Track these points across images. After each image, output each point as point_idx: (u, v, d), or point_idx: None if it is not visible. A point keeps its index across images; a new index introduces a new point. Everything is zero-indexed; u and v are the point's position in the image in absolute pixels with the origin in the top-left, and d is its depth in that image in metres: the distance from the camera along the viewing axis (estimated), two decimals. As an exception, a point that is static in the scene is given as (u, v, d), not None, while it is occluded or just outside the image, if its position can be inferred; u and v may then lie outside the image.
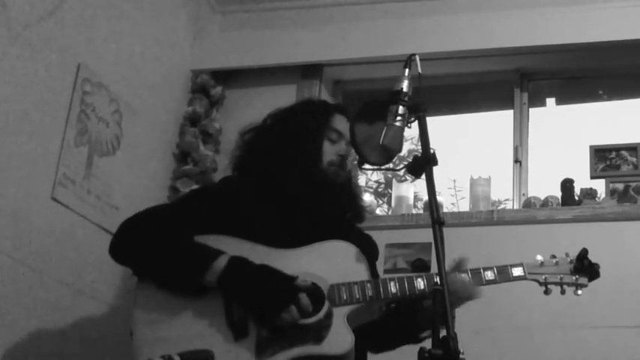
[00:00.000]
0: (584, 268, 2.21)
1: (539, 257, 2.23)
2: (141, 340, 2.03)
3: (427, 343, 1.62)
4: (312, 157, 2.29)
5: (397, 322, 2.24)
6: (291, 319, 1.98)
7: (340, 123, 2.37)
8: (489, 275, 2.17)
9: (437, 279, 2.08)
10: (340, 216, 2.33)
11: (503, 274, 2.18)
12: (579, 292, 2.20)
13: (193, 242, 2.10)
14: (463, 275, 2.15)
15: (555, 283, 2.20)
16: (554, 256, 2.24)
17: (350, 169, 2.38)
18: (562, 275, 2.20)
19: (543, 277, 2.20)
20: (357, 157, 2.03)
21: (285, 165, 2.26)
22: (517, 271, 2.19)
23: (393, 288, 2.10)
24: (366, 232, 2.45)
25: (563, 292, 2.21)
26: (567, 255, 2.24)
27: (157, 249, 2.10)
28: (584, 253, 2.21)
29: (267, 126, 2.42)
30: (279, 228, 2.19)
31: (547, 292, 2.20)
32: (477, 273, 2.16)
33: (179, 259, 2.06)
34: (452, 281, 2.06)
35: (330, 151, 2.32)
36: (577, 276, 2.21)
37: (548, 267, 2.21)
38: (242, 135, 2.45)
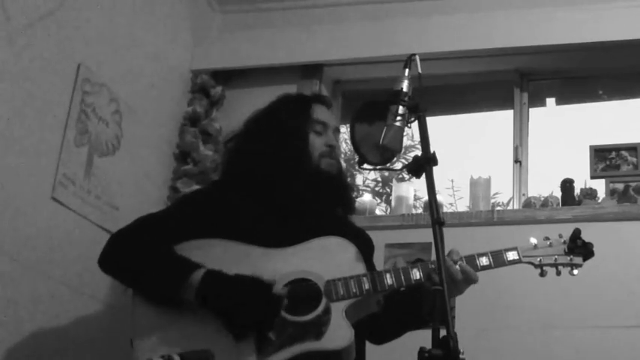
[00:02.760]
0: (578, 247, 2.20)
1: (533, 240, 2.22)
2: (142, 348, 2.03)
3: (427, 343, 1.62)
4: (301, 154, 2.28)
5: (400, 308, 2.24)
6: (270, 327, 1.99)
7: (321, 113, 2.37)
8: (484, 261, 2.17)
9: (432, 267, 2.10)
10: (331, 210, 2.32)
11: (498, 259, 2.18)
12: (575, 271, 2.20)
13: (172, 256, 2.09)
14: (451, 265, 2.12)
15: (550, 265, 2.19)
16: (547, 238, 2.23)
17: (340, 159, 2.37)
18: (556, 256, 2.20)
19: (538, 259, 2.19)
20: (357, 156, 2.03)
21: (275, 167, 2.25)
22: (511, 255, 2.19)
23: (389, 279, 2.11)
24: (366, 231, 2.45)
25: (558, 273, 2.20)
26: (560, 236, 2.23)
27: (137, 266, 2.10)
28: (577, 232, 2.21)
29: (250, 131, 2.40)
30: (272, 228, 2.19)
31: (542, 273, 2.19)
32: (471, 259, 2.16)
33: (155, 275, 2.07)
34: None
35: (318, 143, 2.32)
36: (571, 256, 2.20)
37: (542, 249, 2.20)
38: (225, 143, 2.44)
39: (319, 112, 2.37)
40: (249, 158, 2.32)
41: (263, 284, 2.01)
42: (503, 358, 2.97)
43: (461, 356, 1.56)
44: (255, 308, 1.99)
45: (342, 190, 2.35)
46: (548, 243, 2.22)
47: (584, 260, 2.21)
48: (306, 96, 2.56)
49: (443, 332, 1.60)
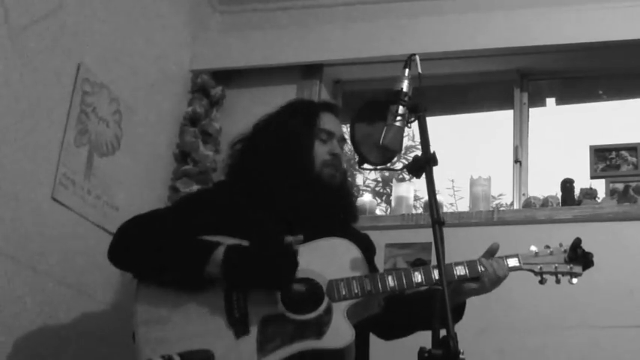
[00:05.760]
0: (578, 257, 2.24)
1: (534, 248, 2.25)
2: (143, 340, 2.04)
3: (427, 343, 1.62)
4: (304, 161, 2.29)
5: (410, 308, 2.28)
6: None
7: (328, 121, 2.37)
8: None
9: (434, 273, 2.11)
10: (334, 217, 2.33)
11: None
12: (574, 280, 2.23)
13: (190, 238, 2.11)
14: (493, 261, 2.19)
15: (550, 273, 2.23)
16: (548, 247, 2.26)
17: (345, 168, 2.38)
18: (556, 265, 2.23)
19: (538, 266, 2.22)
20: (357, 156, 2.03)
21: (278, 172, 2.26)
22: (512, 262, 2.22)
23: (391, 282, 2.12)
24: (366, 231, 2.46)
25: (558, 281, 2.23)
26: (561, 245, 2.26)
27: (155, 249, 2.10)
28: (577, 242, 2.23)
29: (256, 134, 2.41)
30: (274, 232, 2.19)
31: (542, 281, 2.23)
32: (472, 264, 2.17)
33: (178, 257, 2.08)
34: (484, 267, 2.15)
35: (322, 152, 2.32)
36: (571, 265, 2.23)
37: (542, 257, 2.24)
38: (232, 146, 2.45)
39: (326, 121, 2.36)
40: (254, 162, 2.33)
41: (281, 242, 2.06)
42: (504, 358, 2.97)
43: (461, 356, 1.57)
44: (277, 263, 2.03)
45: (342, 201, 2.36)
46: (549, 251, 2.25)
47: (584, 270, 2.24)
48: (314, 103, 2.59)
49: (443, 332, 1.60)
